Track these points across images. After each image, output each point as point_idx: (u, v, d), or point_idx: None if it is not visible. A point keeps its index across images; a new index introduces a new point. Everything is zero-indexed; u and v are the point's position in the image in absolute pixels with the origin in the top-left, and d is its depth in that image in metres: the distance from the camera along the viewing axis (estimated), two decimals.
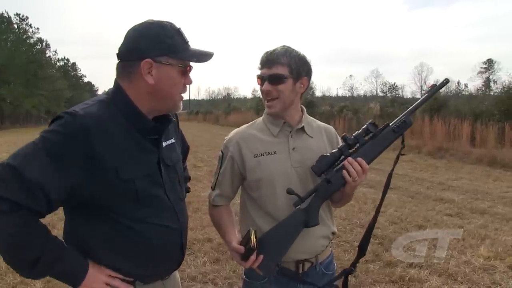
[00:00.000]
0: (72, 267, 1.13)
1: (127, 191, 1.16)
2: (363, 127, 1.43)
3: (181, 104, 1.27)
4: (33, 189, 1.04)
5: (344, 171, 1.38)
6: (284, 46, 1.50)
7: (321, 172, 1.41)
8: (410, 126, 1.44)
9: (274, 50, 1.48)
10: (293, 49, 1.50)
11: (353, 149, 1.42)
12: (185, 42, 1.20)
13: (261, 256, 1.35)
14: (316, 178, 1.49)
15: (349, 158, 1.39)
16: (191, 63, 1.22)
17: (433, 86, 1.46)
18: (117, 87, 1.21)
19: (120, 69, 1.21)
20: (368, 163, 1.40)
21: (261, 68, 1.50)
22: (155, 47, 1.15)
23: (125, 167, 1.15)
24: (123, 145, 1.16)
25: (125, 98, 1.19)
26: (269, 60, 1.47)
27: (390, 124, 1.43)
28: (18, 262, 1.09)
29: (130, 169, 1.16)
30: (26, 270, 1.09)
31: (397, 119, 1.44)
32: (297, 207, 1.41)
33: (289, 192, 1.39)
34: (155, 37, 1.16)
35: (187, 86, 1.25)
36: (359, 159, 1.38)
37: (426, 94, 1.48)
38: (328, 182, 1.40)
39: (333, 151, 1.43)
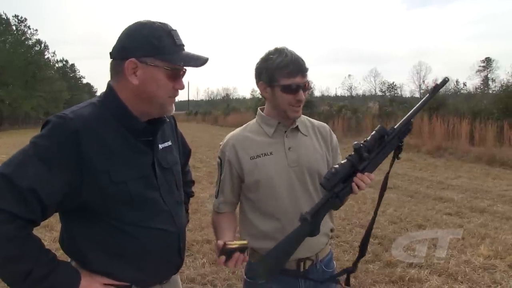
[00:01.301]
0: (64, 280, 1.11)
1: (120, 194, 1.14)
2: (374, 134, 1.36)
3: (172, 108, 1.24)
4: (27, 197, 1.02)
5: (354, 185, 1.34)
6: (289, 49, 1.47)
7: (331, 186, 1.35)
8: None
9: (297, 57, 1.45)
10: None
11: (364, 162, 1.35)
12: (175, 44, 1.16)
13: (241, 257, 1.31)
14: (313, 176, 1.50)
15: (359, 174, 1.34)
16: (187, 68, 1.19)
17: (436, 85, 1.42)
18: (109, 89, 1.20)
19: (112, 67, 1.20)
20: (373, 171, 1.37)
21: (293, 76, 1.43)
22: (140, 48, 1.13)
23: (117, 169, 1.14)
24: (114, 147, 1.14)
25: (116, 99, 1.18)
26: (302, 68, 1.44)
27: (396, 129, 1.39)
28: (9, 274, 1.07)
29: (123, 172, 1.15)
30: (16, 282, 1.07)
31: (402, 122, 1.39)
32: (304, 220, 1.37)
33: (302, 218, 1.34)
34: (142, 37, 1.13)
35: (178, 90, 1.21)
36: (368, 173, 1.34)
37: (427, 95, 1.45)
38: (336, 196, 1.36)
39: (344, 163, 1.35)
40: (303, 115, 1.61)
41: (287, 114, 1.49)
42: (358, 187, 1.34)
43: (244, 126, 1.62)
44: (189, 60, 1.18)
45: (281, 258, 1.37)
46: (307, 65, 1.47)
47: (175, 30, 1.19)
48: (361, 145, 1.33)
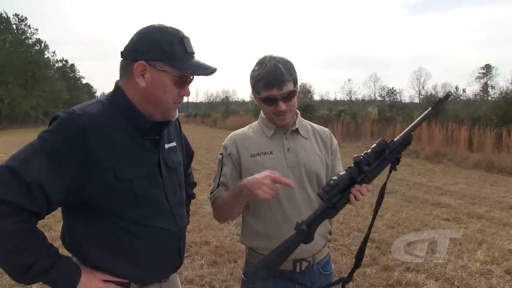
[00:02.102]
0: (65, 275, 1.13)
1: (125, 191, 1.15)
2: (374, 147, 1.36)
3: (176, 113, 1.26)
4: (33, 190, 1.04)
5: (351, 196, 1.34)
6: (270, 59, 1.46)
7: (329, 198, 1.34)
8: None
9: (275, 68, 1.43)
10: (281, 59, 1.48)
11: (362, 175, 1.35)
12: (186, 52, 1.18)
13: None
14: (311, 178, 1.52)
15: (357, 186, 1.34)
16: (197, 76, 1.21)
17: (440, 99, 1.42)
18: (117, 87, 1.22)
19: (121, 67, 1.21)
20: (370, 182, 1.37)
21: (269, 89, 1.44)
22: (151, 51, 1.14)
23: (123, 166, 1.15)
24: (121, 144, 1.16)
25: (124, 97, 1.19)
26: (278, 81, 1.43)
27: (395, 140, 1.39)
28: (12, 266, 1.09)
29: (128, 169, 1.16)
30: (19, 274, 1.09)
31: (402, 135, 1.39)
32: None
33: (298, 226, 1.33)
34: (154, 41, 1.15)
35: (183, 96, 1.23)
36: (365, 185, 1.34)
37: (429, 109, 1.42)
38: (333, 207, 1.35)
39: (343, 175, 1.35)
40: (304, 119, 1.63)
41: (274, 121, 1.53)
42: (356, 198, 1.34)
43: (247, 126, 1.66)
44: (197, 69, 1.19)
45: (275, 263, 1.36)
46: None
47: (188, 38, 1.20)
48: (361, 158, 1.33)
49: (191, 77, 1.21)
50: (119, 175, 1.14)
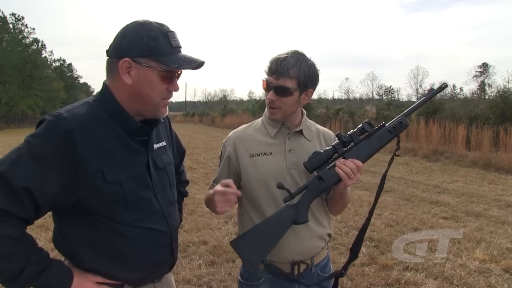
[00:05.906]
0: (57, 279, 1.11)
1: (114, 194, 1.14)
2: (359, 126, 1.40)
3: (165, 110, 1.23)
4: (21, 195, 1.02)
5: (337, 169, 1.35)
6: (295, 53, 1.45)
7: (313, 168, 1.38)
8: (406, 128, 1.43)
9: (284, 59, 1.42)
10: (304, 58, 1.45)
11: (347, 148, 1.39)
12: (171, 46, 1.15)
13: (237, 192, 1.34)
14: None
15: (342, 159, 1.36)
16: (183, 70, 1.18)
17: (431, 90, 1.46)
18: (104, 88, 1.20)
19: (107, 65, 1.19)
20: (362, 162, 1.37)
21: (268, 74, 1.45)
22: (135, 48, 1.12)
23: (111, 169, 1.13)
24: (109, 146, 1.14)
25: (111, 98, 1.17)
26: (278, 70, 1.42)
27: (386, 125, 1.42)
28: (1, 272, 1.06)
29: (117, 171, 1.14)
30: (8, 280, 1.07)
31: (393, 120, 1.43)
32: (287, 203, 1.39)
33: (279, 186, 1.37)
34: (138, 37, 1.12)
35: (172, 92, 1.20)
36: (351, 159, 1.36)
37: (423, 97, 1.47)
38: (319, 179, 1.37)
39: (327, 148, 1.40)
40: (309, 120, 1.61)
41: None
42: (343, 170, 1.34)
43: (249, 123, 1.64)
44: (183, 62, 1.16)
45: (266, 249, 1.36)
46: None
47: (172, 32, 1.17)
48: (343, 133, 1.39)
49: (179, 72, 1.19)
50: (107, 177, 1.12)
